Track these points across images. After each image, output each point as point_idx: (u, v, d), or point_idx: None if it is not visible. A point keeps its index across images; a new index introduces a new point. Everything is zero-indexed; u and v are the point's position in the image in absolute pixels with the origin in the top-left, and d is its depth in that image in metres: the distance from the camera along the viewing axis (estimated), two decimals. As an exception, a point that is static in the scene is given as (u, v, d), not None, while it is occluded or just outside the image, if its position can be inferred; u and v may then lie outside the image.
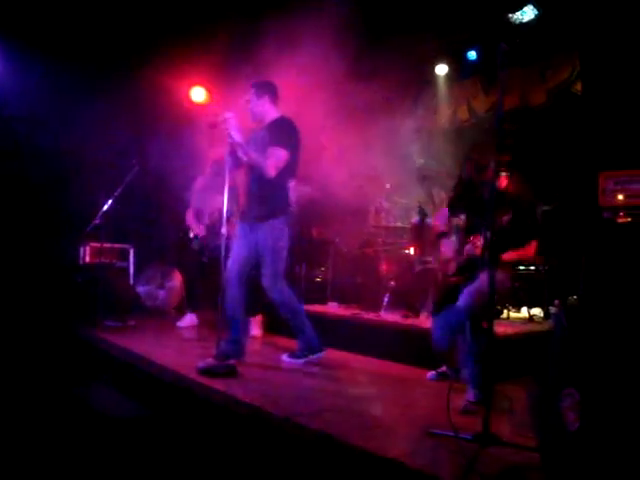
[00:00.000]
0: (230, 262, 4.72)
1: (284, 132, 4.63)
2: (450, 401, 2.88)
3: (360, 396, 3.94)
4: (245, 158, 4.57)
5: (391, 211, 6.92)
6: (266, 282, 4.64)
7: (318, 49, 5.95)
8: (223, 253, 4.51)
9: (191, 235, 6.57)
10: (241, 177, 4.80)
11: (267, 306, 5.19)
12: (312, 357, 4.75)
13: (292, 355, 4.80)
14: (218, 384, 3.93)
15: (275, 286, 4.63)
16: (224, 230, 4.48)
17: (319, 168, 6.59)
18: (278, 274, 4.64)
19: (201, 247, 6.43)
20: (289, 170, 4.68)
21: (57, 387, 4.43)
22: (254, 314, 5.99)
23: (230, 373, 4.19)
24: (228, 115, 4.39)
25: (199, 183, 6.62)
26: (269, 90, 4.77)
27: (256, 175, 4.63)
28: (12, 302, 6.40)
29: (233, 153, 4.54)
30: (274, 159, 4.52)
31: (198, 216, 6.55)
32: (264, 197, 4.65)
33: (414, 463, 2.63)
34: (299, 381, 4.37)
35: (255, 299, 5.20)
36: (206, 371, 4.15)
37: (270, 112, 4.76)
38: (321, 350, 4.78)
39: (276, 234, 4.64)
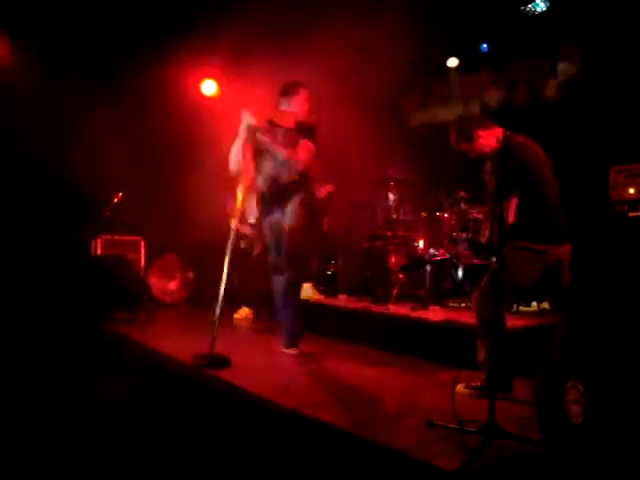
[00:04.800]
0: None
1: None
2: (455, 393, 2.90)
3: (367, 388, 3.96)
4: (280, 155, 4.75)
5: (401, 204, 6.90)
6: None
7: (329, 42, 5.93)
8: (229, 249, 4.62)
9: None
10: (251, 172, 4.88)
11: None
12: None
13: (287, 344, 4.87)
14: (225, 375, 3.96)
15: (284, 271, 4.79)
16: (233, 225, 4.63)
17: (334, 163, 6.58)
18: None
19: (250, 245, 6.48)
20: None
21: (67, 378, 4.48)
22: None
23: (223, 364, 4.26)
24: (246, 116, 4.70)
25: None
26: None
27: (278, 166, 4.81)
28: (25, 293, 6.48)
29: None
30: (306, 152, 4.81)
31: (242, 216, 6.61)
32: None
33: (419, 454, 2.66)
34: (305, 373, 4.40)
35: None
36: (199, 363, 4.23)
37: None
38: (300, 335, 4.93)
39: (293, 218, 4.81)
